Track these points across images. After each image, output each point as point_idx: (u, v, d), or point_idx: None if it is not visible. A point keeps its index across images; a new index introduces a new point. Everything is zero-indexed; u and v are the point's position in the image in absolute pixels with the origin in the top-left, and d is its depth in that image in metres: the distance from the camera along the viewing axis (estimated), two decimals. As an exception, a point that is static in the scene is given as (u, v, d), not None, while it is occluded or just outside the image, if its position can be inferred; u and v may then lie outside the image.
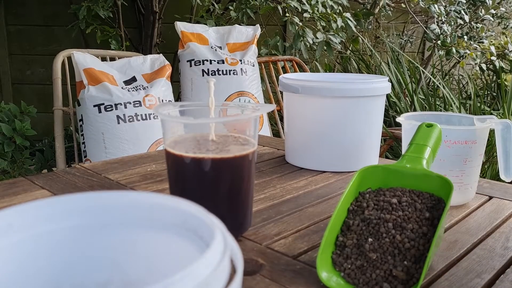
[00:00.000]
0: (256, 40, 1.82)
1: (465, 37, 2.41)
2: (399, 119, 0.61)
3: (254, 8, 2.08)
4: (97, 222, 0.28)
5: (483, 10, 2.53)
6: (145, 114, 1.48)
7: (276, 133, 1.98)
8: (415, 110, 2.11)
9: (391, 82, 2.22)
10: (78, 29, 2.11)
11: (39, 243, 0.27)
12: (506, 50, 2.39)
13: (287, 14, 1.98)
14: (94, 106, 1.44)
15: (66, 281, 0.28)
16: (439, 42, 2.27)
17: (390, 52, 2.40)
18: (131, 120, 1.45)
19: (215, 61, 1.73)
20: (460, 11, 2.36)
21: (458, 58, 2.49)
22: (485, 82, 2.62)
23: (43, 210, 0.27)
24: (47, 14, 2.56)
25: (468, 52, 2.34)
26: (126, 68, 1.57)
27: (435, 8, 2.25)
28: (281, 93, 1.04)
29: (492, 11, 2.52)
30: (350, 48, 2.66)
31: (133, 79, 1.55)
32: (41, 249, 0.27)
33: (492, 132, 0.62)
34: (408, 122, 0.59)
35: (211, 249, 0.20)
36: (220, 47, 1.79)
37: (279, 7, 2.04)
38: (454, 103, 2.04)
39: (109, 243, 0.28)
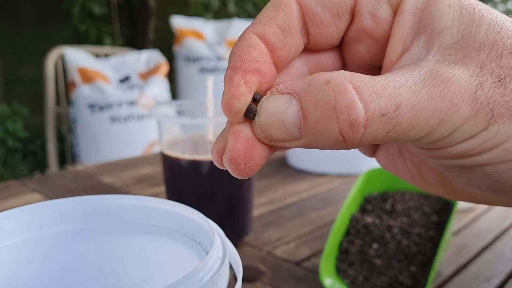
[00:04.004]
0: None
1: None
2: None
3: (255, 4, 2.08)
4: (91, 227, 0.28)
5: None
6: (141, 114, 1.47)
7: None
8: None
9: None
10: (72, 27, 2.10)
11: (32, 248, 0.26)
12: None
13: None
14: (87, 106, 1.43)
15: (61, 287, 0.27)
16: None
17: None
18: (125, 120, 1.44)
19: (212, 58, 1.72)
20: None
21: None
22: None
23: (35, 214, 0.26)
24: (40, 12, 2.55)
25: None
26: (120, 66, 1.56)
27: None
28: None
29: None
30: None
31: (128, 78, 1.54)
32: (34, 255, 0.27)
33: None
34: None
35: (209, 255, 0.20)
36: (220, 43, 1.78)
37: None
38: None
39: (104, 248, 0.28)
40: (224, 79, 0.18)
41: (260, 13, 0.19)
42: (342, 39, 0.21)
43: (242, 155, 0.18)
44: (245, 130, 0.18)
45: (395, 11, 0.20)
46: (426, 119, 0.17)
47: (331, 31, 0.20)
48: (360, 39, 0.21)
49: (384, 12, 0.20)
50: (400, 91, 0.17)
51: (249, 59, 0.18)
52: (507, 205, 0.21)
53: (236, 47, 0.18)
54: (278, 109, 0.18)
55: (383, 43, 0.20)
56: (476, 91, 0.17)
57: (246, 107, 0.18)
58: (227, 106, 0.18)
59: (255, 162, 0.18)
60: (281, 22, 0.19)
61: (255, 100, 0.18)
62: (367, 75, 0.17)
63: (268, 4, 0.19)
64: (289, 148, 0.19)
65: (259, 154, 0.19)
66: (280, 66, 0.20)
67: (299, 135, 0.18)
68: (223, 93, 0.18)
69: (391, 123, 0.17)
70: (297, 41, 0.20)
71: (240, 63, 0.18)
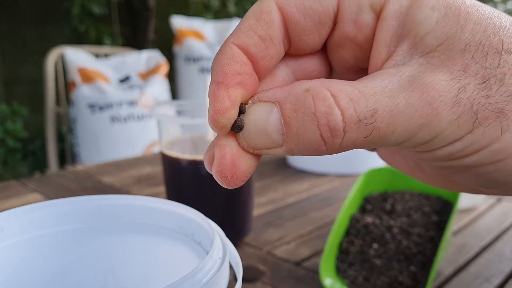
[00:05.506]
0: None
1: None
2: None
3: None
4: (91, 227, 0.27)
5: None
6: (141, 114, 1.46)
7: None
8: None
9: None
10: (71, 27, 2.10)
11: (32, 248, 0.26)
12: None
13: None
14: (88, 106, 1.43)
15: (61, 286, 0.27)
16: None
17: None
18: (125, 120, 1.44)
19: (212, 58, 1.72)
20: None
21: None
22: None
23: (35, 214, 0.26)
24: (40, 12, 2.55)
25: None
26: (121, 67, 1.55)
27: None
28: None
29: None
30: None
31: (128, 78, 1.54)
32: (34, 255, 0.26)
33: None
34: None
35: (209, 255, 0.20)
36: (219, 42, 1.78)
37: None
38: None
39: (104, 248, 0.28)
40: (208, 95, 0.18)
41: (241, 21, 0.19)
42: (327, 44, 0.21)
43: (229, 168, 0.18)
44: (230, 143, 0.19)
45: (378, 16, 0.19)
46: (405, 124, 0.17)
47: (313, 38, 0.20)
48: (343, 44, 0.21)
49: (367, 17, 0.19)
50: (378, 97, 0.17)
51: (231, 73, 0.18)
52: (508, 195, 0.21)
53: (218, 60, 0.19)
54: (260, 117, 0.18)
55: (367, 47, 0.20)
56: (458, 94, 0.17)
57: (232, 121, 0.18)
58: (213, 121, 0.18)
59: (241, 173, 0.19)
60: (262, 32, 0.19)
61: (241, 111, 0.18)
62: (346, 82, 0.18)
63: (249, 12, 0.19)
64: (273, 154, 0.19)
65: (245, 165, 0.19)
66: (262, 75, 0.20)
67: (281, 141, 0.18)
68: (208, 108, 0.18)
69: (369, 128, 0.17)
70: (279, 50, 0.20)
71: (223, 78, 0.18)
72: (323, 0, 0.19)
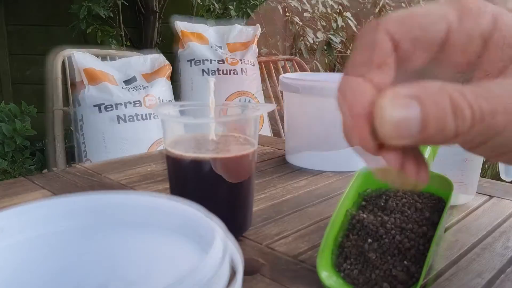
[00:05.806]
0: (256, 39, 1.82)
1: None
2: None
3: (254, 8, 2.08)
4: (94, 224, 0.27)
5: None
6: (145, 114, 1.48)
7: (276, 133, 1.98)
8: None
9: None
10: (78, 29, 2.12)
11: (32, 248, 0.26)
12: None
13: (288, 14, 1.99)
14: (94, 106, 1.44)
15: (62, 286, 0.27)
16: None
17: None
18: (131, 120, 1.45)
19: (215, 60, 1.73)
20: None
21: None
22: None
23: (36, 213, 0.26)
24: (47, 14, 2.56)
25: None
26: (126, 68, 1.57)
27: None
28: (281, 92, 1.04)
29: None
30: (351, 48, 2.66)
31: (133, 79, 1.55)
32: (34, 254, 0.26)
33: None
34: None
35: (209, 255, 0.20)
36: (220, 47, 1.79)
37: (279, 7, 2.04)
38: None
39: (107, 245, 0.28)
40: (346, 127, 0.22)
41: (355, 53, 0.22)
42: None
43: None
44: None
45: (487, 42, 0.21)
46: None
47: (419, 60, 0.22)
48: (443, 64, 0.23)
49: (475, 47, 0.21)
50: (499, 99, 0.19)
51: (361, 107, 0.21)
52: None
53: (345, 93, 0.21)
54: (401, 112, 0.19)
55: (468, 68, 0.22)
56: None
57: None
58: (359, 146, 0.21)
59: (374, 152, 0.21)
60: (379, 61, 0.21)
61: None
62: (469, 85, 0.20)
63: (362, 43, 0.22)
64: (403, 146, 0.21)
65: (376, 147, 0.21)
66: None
67: (416, 133, 0.19)
68: (347, 133, 0.22)
69: (490, 124, 0.19)
70: (392, 71, 0.22)
71: (355, 111, 0.21)
72: (432, 31, 0.21)
